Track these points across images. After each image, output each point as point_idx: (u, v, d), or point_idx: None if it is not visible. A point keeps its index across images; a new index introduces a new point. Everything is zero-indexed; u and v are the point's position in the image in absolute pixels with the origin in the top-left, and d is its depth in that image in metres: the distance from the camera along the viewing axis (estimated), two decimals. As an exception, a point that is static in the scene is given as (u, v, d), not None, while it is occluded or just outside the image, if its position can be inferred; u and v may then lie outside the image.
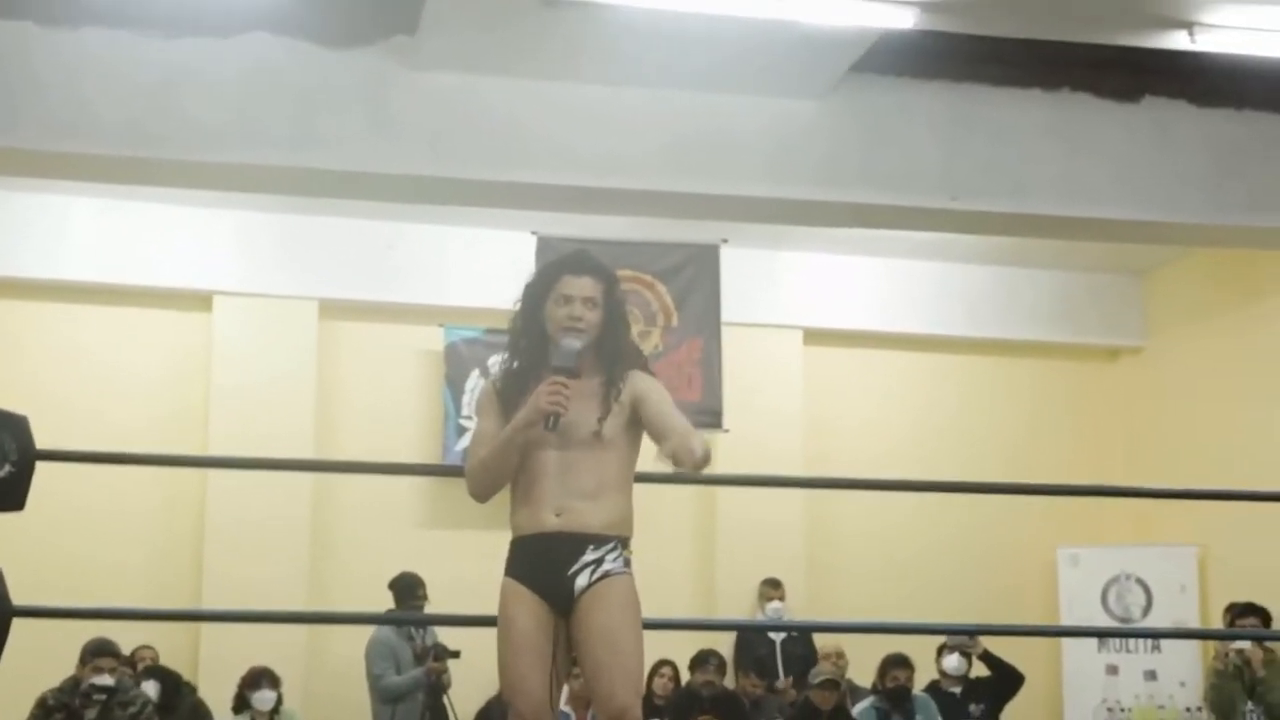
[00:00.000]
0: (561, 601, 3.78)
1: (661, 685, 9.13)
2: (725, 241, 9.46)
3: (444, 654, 8.60)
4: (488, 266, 9.82)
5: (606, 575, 3.77)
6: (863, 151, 7.69)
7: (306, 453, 9.58)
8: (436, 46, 7.01)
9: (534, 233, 9.13)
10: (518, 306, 3.97)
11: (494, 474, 3.86)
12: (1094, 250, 10.30)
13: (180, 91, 6.91)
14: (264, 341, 9.88)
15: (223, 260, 9.89)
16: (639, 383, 3.90)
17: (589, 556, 3.77)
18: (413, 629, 8.70)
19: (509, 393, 3.89)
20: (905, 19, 5.75)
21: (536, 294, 3.92)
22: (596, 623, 3.74)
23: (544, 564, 3.78)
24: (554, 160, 7.37)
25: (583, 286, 3.85)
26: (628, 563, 3.82)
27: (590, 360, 3.87)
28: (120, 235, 9.69)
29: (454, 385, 10.14)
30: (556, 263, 3.98)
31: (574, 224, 8.95)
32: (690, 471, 3.82)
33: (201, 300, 9.96)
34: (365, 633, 8.80)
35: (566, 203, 7.76)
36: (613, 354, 3.91)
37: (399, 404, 10.27)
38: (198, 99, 6.92)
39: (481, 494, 3.90)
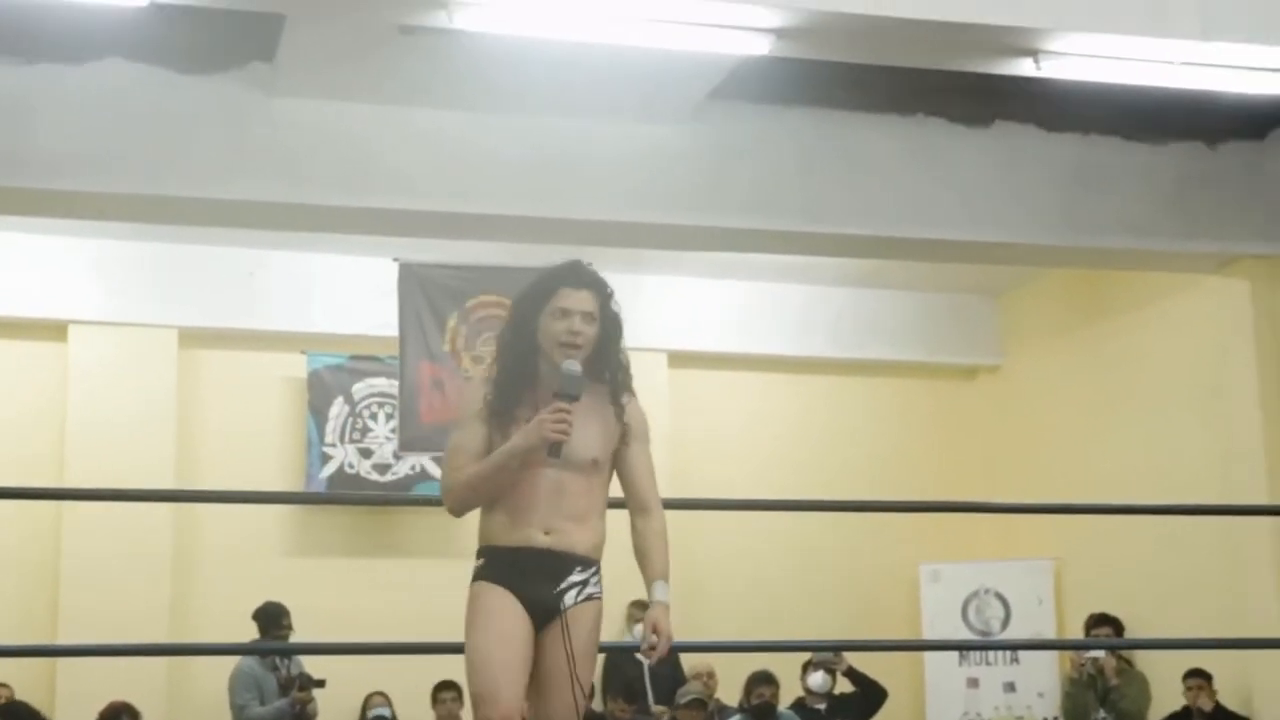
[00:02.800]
0: (542, 616, 3.73)
1: (529, 709, 9.13)
2: (590, 265, 9.50)
3: (309, 683, 8.54)
4: (350, 293, 9.80)
5: (590, 598, 3.78)
6: (723, 176, 7.81)
7: (167, 483, 9.44)
8: (295, 73, 7.00)
9: (396, 259, 9.11)
10: (508, 316, 3.90)
11: (483, 495, 3.79)
12: (951, 271, 10.51)
13: (33, 118, 6.84)
14: (123, 371, 9.72)
15: (79, 288, 9.71)
16: (633, 415, 3.87)
17: (576, 577, 3.76)
18: (278, 659, 8.62)
19: (499, 406, 3.80)
20: (761, 46, 5.82)
21: (531, 306, 3.83)
22: (572, 643, 3.71)
23: (531, 577, 3.73)
24: (416, 186, 7.39)
25: (582, 300, 3.78)
26: (601, 589, 3.82)
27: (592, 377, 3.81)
28: (-31, 264, 9.50)
29: (317, 413, 10.06)
30: (552, 274, 3.86)
31: (437, 250, 8.95)
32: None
33: (57, 329, 9.76)
34: (229, 664, 8.69)
35: (429, 229, 7.78)
36: (614, 372, 3.85)
37: (261, 432, 10.15)
38: (51, 126, 6.84)
39: (462, 511, 3.85)
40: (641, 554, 3.85)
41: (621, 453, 3.85)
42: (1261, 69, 6.36)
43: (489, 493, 3.76)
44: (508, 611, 3.71)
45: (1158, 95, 7.06)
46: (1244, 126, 8.43)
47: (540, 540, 3.73)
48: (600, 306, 3.80)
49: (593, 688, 8.59)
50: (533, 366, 3.81)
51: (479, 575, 3.78)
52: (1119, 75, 6.33)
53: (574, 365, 3.73)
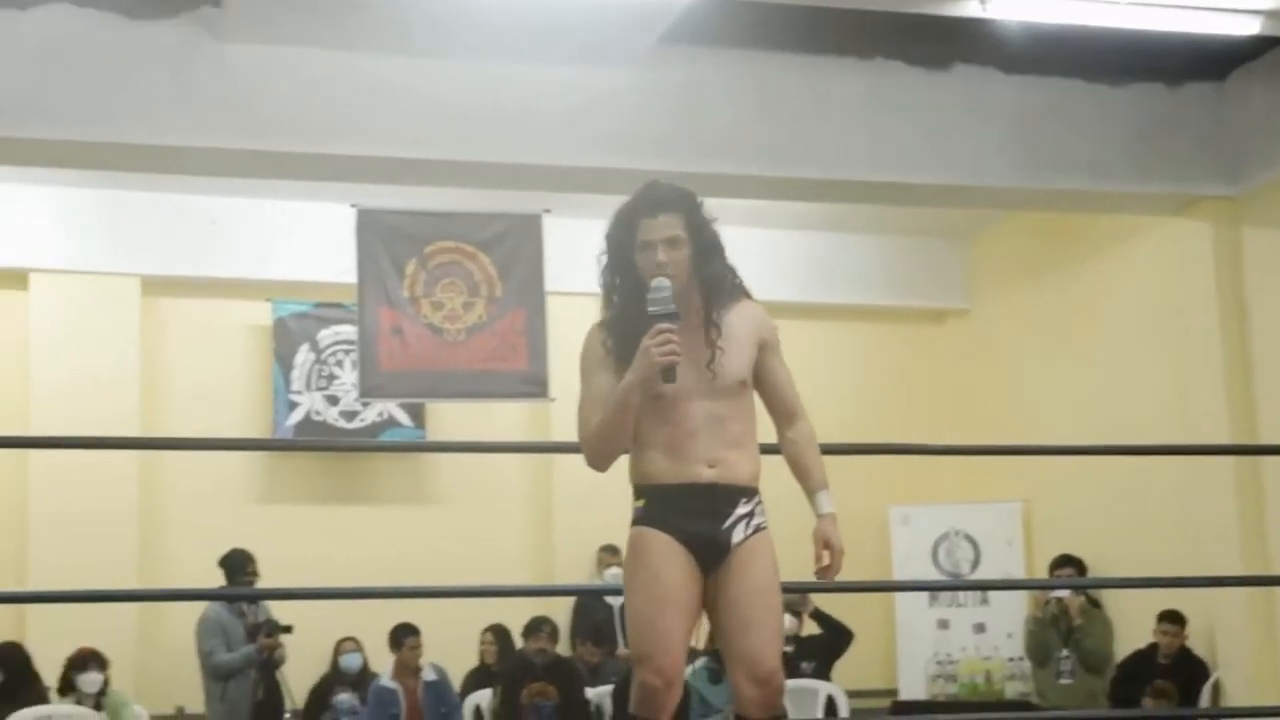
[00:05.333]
0: (712, 557, 3.58)
1: (488, 651, 9.21)
2: (548, 211, 9.47)
3: (276, 629, 8.57)
4: (313, 240, 9.79)
5: (759, 530, 3.63)
6: (679, 120, 7.76)
7: (133, 431, 9.44)
8: (244, 17, 6.93)
9: (353, 205, 9.08)
10: (603, 259, 3.72)
11: (612, 440, 3.60)
12: (919, 215, 10.47)
13: (-22, 65, 6.77)
14: (86, 319, 9.70)
15: (39, 236, 9.67)
16: (765, 325, 3.74)
17: (741, 510, 3.61)
18: (245, 606, 8.65)
19: (621, 350, 3.61)
20: (707, -13, 5.80)
21: (619, 243, 3.67)
22: (752, 579, 3.58)
23: (698, 516, 3.57)
24: (369, 132, 7.34)
25: (661, 227, 3.60)
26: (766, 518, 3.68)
27: (695, 297, 3.63)
28: (-74, 212, 9.46)
29: (283, 360, 10.07)
30: (628, 207, 3.68)
31: (394, 196, 8.92)
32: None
33: (17, 278, 9.72)
34: (197, 611, 8.73)
35: (383, 175, 7.75)
36: (707, 285, 3.66)
37: (227, 381, 10.15)
38: (-2, 72, 6.77)
39: (602, 462, 3.64)
40: (798, 465, 3.74)
41: (761, 365, 3.71)
42: (1220, 9, 6.32)
43: (621, 436, 3.58)
44: (671, 566, 3.54)
45: (1117, 36, 7.05)
46: (1205, 67, 8.40)
47: (705, 475, 3.57)
48: (686, 224, 3.62)
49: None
50: (644, 302, 3.58)
51: (640, 520, 3.61)
52: (1068, 15, 6.30)
53: (662, 282, 3.55)
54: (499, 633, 9.23)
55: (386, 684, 8.74)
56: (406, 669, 8.75)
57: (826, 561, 3.64)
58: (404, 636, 8.79)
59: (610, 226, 3.71)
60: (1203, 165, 8.55)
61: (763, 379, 3.74)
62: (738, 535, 3.59)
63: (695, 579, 3.57)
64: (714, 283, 3.67)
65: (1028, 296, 10.80)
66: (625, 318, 3.64)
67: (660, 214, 3.62)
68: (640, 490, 3.64)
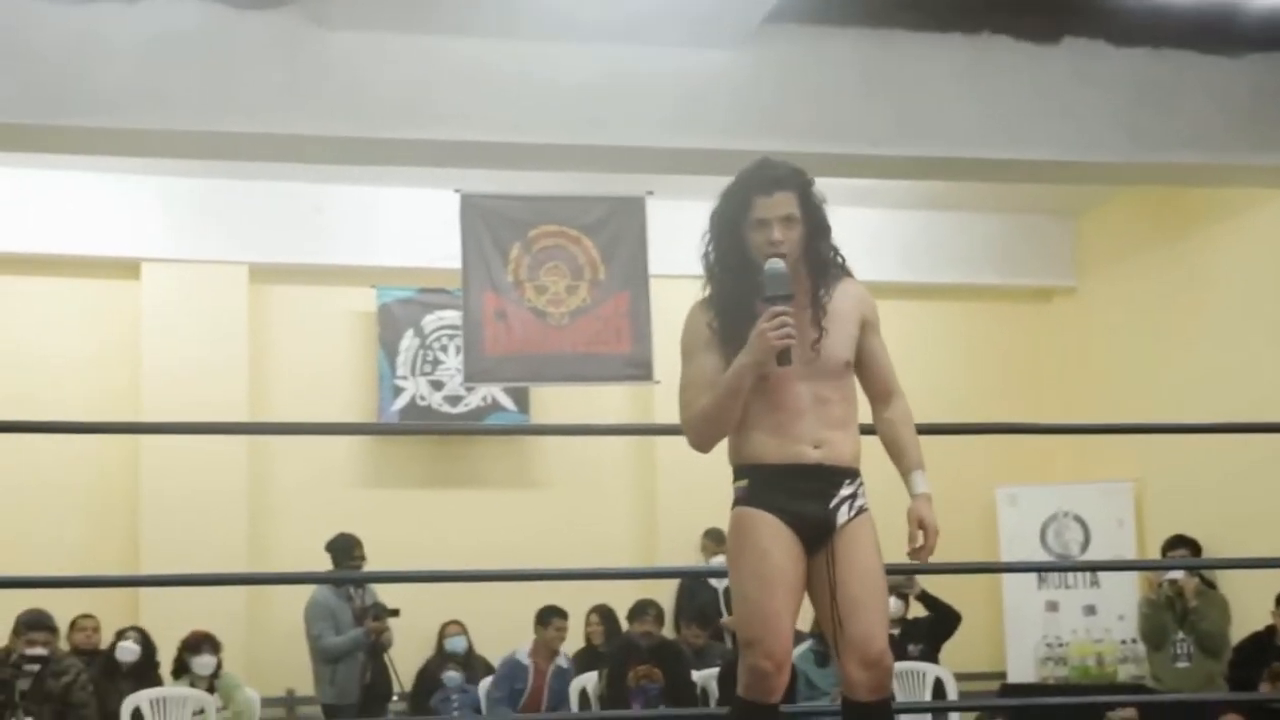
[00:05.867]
0: (817, 538, 3.57)
1: (595, 632, 9.23)
2: (650, 194, 9.44)
3: (383, 613, 8.65)
4: (417, 226, 9.84)
5: (862, 511, 3.63)
6: (783, 100, 7.68)
7: (241, 417, 9.57)
8: (349, 5, 6.95)
9: (457, 190, 9.10)
10: (707, 237, 3.70)
11: (721, 422, 3.58)
12: (1025, 193, 10.33)
13: (91, 56, 6.82)
14: (195, 307, 9.84)
15: (149, 227, 9.82)
16: (866, 304, 3.72)
17: (845, 491, 3.60)
18: (352, 589, 8.72)
19: (727, 330, 3.60)
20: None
21: (730, 220, 3.63)
22: (858, 560, 3.56)
23: (804, 497, 3.56)
24: (472, 117, 7.34)
25: (776, 205, 3.57)
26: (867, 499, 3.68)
27: (803, 277, 3.62)
28: (43, 204, 9.60)
29: (388, 346, 10.13)
30: (742, 183, 3.64)
31: (497, 180, 8.93)
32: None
33: (129, 268, 9.89)
34: (306, 595, 8.81)
35: (487, 159, 7.74)
36: (816, 266, 3.64)
37: (333, 366, 10.25)
38: (109, 64, 6.83)
39: (707, 444, 3.64)
40: (894, 444, 3.72)
41: (861, 344, 3.69)
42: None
43: (729, 419, 3.56)
44: (778, 547, 3.53)
45: (1230, 5, 6.88)
46: (1323, 36, 8.18)
47: (811, 455, 3.56)
48: (800, 203, 3.59)
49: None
50: (751, 280, 3.57)
51: (744, 500, 3.60)
52: (1184, -15, 6.15)
53: (776, 264, 3.52)
54: (604, 614, 9.25)
55: (522, 659, 8.76)
56: (546, 649, 8.77)
57: (921, 542, 3.63)
58: (551, 617, 8.82)
59: (720, 203, 3.68)
60: (1320, 136, 8.32)
61: (862, 358, 3.71)
62: (842, 516, 3.59)
63: (801, 559, 3.56)
64: (822, 263, 3.65)
65: (1137, 273, 10.62)
66: (732, 296, 3.62)
67: (776, 192, 3.58)
68: (742, 470, 3.63)
